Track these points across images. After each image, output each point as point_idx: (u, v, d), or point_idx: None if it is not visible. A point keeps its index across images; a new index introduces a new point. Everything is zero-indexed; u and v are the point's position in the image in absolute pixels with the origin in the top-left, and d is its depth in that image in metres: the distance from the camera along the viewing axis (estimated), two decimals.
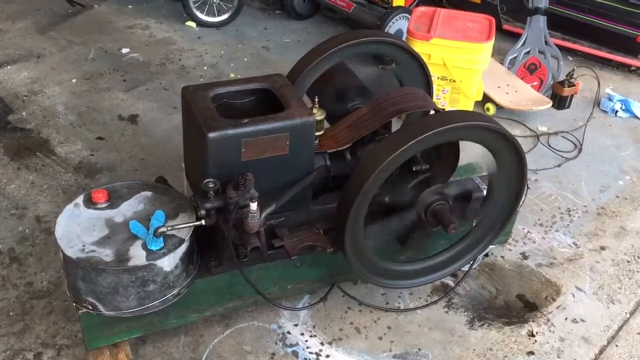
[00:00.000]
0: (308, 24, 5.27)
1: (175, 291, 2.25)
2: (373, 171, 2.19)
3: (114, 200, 2.31)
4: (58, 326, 2.55)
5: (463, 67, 3.76)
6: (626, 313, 2.80)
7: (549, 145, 3.87)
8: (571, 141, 3.93)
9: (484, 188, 2.65)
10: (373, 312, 2.70)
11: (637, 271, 3.01)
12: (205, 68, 4.49)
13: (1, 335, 2.50)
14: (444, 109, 3.46)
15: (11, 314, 2.60)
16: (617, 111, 4.23)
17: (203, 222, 2.20)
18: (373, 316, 2.69)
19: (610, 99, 4.29)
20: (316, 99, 2.57)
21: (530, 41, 4.39)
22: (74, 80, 4.23)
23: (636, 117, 4.22)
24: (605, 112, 4.26)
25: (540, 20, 4.36)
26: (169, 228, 2.16)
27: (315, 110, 2.51)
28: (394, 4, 4.78)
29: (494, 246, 2.89)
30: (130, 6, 5.32)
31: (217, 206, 2.20)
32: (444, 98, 3.92)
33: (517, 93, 4.14)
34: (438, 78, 3.78)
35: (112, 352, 2.31)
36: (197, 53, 4.67)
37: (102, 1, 5.36)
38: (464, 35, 3.78)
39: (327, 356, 2.52)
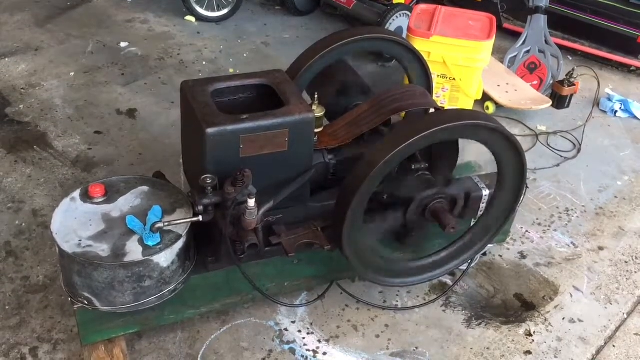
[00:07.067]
0: (308, 20, 5.26)
1: (171, 287, 2.24)
2: (372, 169, 2.18)
3: (111, 194, 2.30)
4: (54, 321, 2.54)
5: (463, 65, 3.75)
6: (624, 313, 2.80)
7: (548, 145, 3.86)
8: (570, 141, 3.93)
9: (483, 187, 2.65)
10: (371, 310, 2.69)
11: (635, 272, 3.01)
12: (204, 63, 4.47)
13: None
14: (443, 107, 3.45)
15: (7, 308, 2.59)
16: (616, 111, 4.23)
17: (200, 218, 2.19)
18: (371, 314, 2.68)
19: (609, 99, 4.29)
20: (316, 96, 2.55)
21: (531, 40, 4.38)
22: (72, 74, 4.20)
23: (635, 117, 4.22)
24: (604, 112, 4.26)
25: (541, 19, 4.35)
26: (166, 223, 2.15)
27: (314, 107, 2.50)
28: (395, 1, 4.76)
29: (492, 245, 2.88)
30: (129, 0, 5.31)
31: (215, 202, 2.19)
32: (444, 96, 3.91)
33: (517, 92, 4.13)
34: (438, 76, 3.76)
35: (107, 347, 2.30)
36: (196, 48, 4.65)
37: None
38: (464, 33, 3.76)
39: (324, 354, 2.51)
